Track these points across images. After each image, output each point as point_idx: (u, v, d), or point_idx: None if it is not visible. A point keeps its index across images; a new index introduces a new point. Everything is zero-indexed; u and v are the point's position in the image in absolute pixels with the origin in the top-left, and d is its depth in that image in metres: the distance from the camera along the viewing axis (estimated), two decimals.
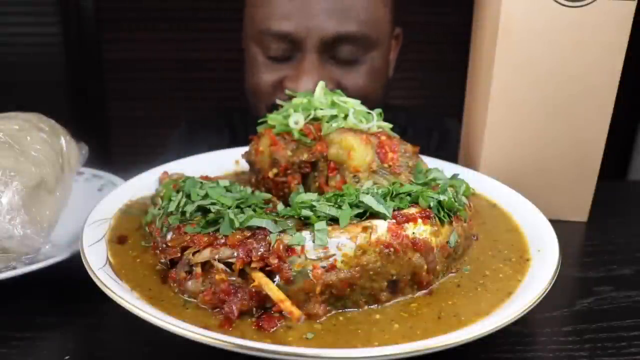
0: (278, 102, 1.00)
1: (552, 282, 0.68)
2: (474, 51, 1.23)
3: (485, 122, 1.07)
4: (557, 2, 0.99)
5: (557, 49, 1.01)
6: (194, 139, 1.67)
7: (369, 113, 0.92)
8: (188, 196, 0.77)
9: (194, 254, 0.68)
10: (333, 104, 0.93)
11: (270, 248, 0.65)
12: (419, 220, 0.70)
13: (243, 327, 0.63)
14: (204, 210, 0.75)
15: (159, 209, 0.80)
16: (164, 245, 0.73)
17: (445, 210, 0.73)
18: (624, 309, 0.82)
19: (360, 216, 0.69)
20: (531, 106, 1.05)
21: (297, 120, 0.91)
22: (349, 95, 1.28)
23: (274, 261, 0.64)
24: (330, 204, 0.70)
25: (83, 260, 0.70)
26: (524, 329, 0.75)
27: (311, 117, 0.91)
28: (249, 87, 1.47)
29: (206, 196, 0.77)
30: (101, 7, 3.14)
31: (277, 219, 0.69)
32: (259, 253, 0.65)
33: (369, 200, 0.69)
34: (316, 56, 1.33)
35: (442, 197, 0.73)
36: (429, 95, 3.21)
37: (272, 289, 0.64)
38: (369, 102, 1.36)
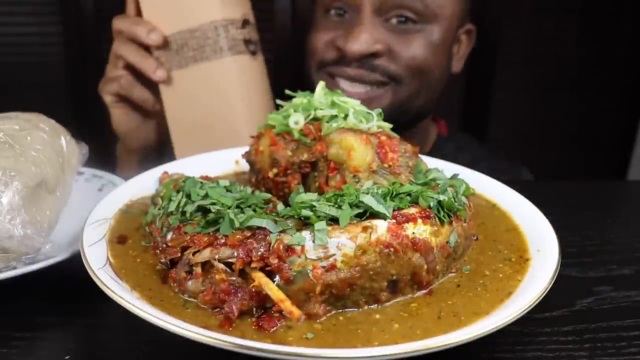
0: (278, 102, 0.99)
1: (552, 282, 0.68)
2: None
3: None
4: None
5: None
6: None
7: (368, 113, 0.92)
8: (188, 196, 0.77)
9: (194, 254, 0.68)
10: (333, 104, 0.93)
11: (270, 248, 0.65)
12: (419, 220, 0.70)
13: (243, 327, 0.64)
14: (204, 210, 0.75)
15: (159, 209, 0.80)
16: (164, 245, 0.73)
17: (445, 210, 0.73)
18: (623, 309, 0.82)
19: (360, 216, 0.69)
20: None
21: (297, 120, 0.91)
22: (401, 65, 1.36)
23: (274, 261, 0.64)
24: (330, 204, 0.70)
25: (83, 260, 0.70)
26: (524, 329, 0.75)
27: (311, 117, 0.91)
28: (307, 49, 1.51)
29: (206, 196, 0.77)
30: (101, 7, 3.14)
31: (277, 219, 0.69)
32: (259, 253, 0.65)
33: (369, 200, 0.69)
34: (370, 18, 1.34)
35: (442, 197, 0.73)
36: None
37: (272, 289, 0.64)
38: (427, 82, 1.42)
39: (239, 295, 0.65)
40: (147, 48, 1.29)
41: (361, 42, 1.33)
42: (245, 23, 1.32)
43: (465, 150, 1.69)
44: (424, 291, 0.71)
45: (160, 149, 1.48)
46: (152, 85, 1.33)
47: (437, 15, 1.38)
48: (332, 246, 0.65)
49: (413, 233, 0.69)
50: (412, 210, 0.70)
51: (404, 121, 1.41)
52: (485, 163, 1.56)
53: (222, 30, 1.26)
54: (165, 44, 1.28)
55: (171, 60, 1.30)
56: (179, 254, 0.70)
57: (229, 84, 1.29)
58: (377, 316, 0.67)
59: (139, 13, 1.31)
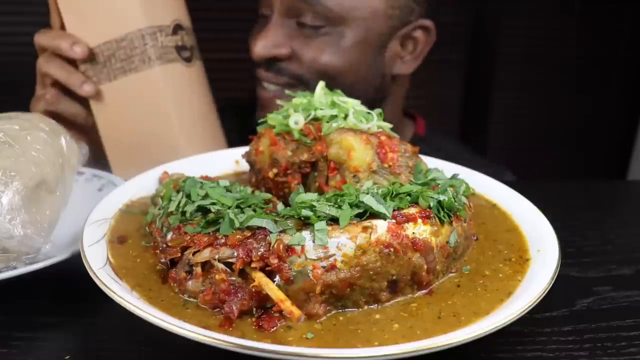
0: (278, 102, 0.99)
1: (552, 282, 0.68)
2: None
3: None
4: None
5: None
6: None
7: (369, 113, 0.92)
8: (188, 196, 0.77)
9: (194, 254, 0.68)
10: (333, 104, 0.93)
11: (270, 248, 0.65)
12: (419, 220, 0.70)
13: (243, 327, 0.64)
14: (204, 210, 0.75)
15: (159, 209, 0.80)
16: (164, 245, 0.73)
17: (445, 210, 0.73)
18: (623, 308, 0.82)
19: (360, 216, 0.69)
20: None
21: (297, 120, 0.91)
22: (304, 68, 1.34)
23: (274, 261, 0.64)
24: (330, 204, 0.70)
25: (83, 260, 0.70)
26: (524, 329, 0.75)
27: (311, 117, 0.91)
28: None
29: (206, 196, 0.77)
30: None
31: (277, 219, 0.69)
32: (259, 253, 0.65)
33: (369, 200, 0.69)
34: (278, 21, 1.33)
35: (442, 197, 0.73)
36: (428, 95, 3.22)
37: (272, 289, 0.64)
38: (341, 85, 1.25)
39: (239, 295, 0.65)
40: (73, 62, 1.21)
41: (261, 45, 1.33)
42: (177, 28, 1.24)
43: (441, 151, 1.57)
44: (424, 291, 0.71)
45: (98, 167, 1.37)
46: (83, 100, 1.25)
47: (345, 18, 1.32)
48: (332, 246, 0.65)
49: (413, 233, 0.69)
50: (412, 210, 0.70)
51: None
52: (459, 160, 1.50)
53: (149, 39, 1.18)
54: (91, 57, 1.20)
55: (99, 74, 1.21)
56: (179, 254, 0.70)
57: (160, 96, 1.21)
58: (377, 316, 0.67)
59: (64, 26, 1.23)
